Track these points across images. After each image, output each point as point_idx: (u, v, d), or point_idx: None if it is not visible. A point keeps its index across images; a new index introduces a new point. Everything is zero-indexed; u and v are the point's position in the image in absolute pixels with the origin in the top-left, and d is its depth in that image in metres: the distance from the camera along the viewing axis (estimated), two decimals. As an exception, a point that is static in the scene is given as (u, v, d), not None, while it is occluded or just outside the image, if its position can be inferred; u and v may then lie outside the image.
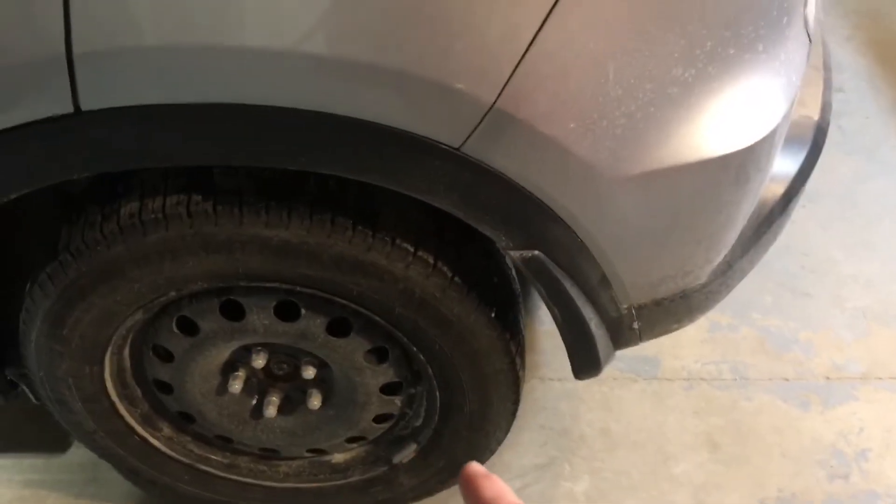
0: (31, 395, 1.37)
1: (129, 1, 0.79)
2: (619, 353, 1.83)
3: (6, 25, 0.79)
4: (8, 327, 1.22)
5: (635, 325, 1.15)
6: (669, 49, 0.86)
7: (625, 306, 1.11)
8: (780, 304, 1.94)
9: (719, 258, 1.11)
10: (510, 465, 1.63)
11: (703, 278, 1.12)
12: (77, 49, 0.81)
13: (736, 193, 1.01)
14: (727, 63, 0.90)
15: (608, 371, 1.80)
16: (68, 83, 0.83)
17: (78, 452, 1.54)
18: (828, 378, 1.80)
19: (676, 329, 1.21)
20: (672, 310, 1.14)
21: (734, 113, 0.94)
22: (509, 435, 1.63)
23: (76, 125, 0.87)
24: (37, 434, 1.65)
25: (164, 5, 0.79)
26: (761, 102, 0.97)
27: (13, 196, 0.94)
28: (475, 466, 0.48)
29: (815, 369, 1.82)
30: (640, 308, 1.12)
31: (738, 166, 0.98)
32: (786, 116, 1.02)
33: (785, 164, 1.17)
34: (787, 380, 1.77)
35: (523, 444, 1.66)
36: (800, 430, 1.68)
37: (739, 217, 1.07)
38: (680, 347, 1.84)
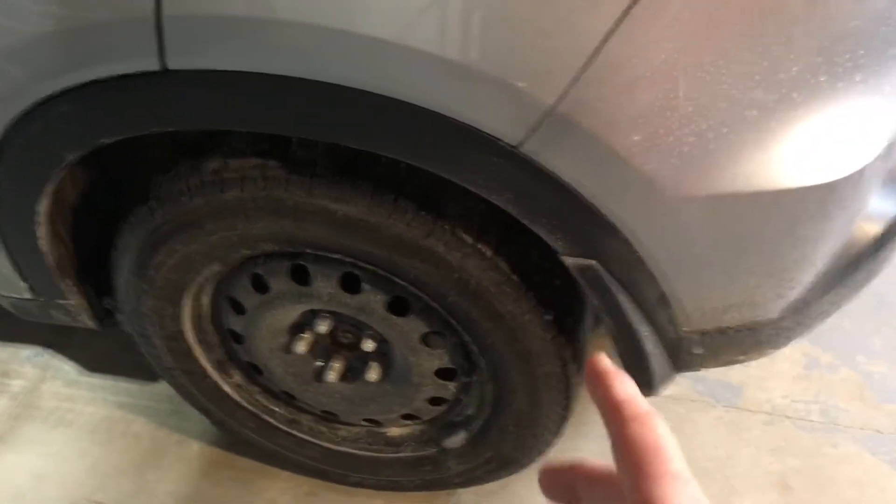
0: (125, 325, 1.47)
1: (216, -30, 0.83)
2: (701, 375, 1.78)
3: (103, -17, 0.85)
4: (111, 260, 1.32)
5: (697, 351, 1.10)
6: (749, 69, 0.81)
7: (685, 329, 1.07)
8: (891, 350, 1.81)
9: (793, 295, 1.05)
10: (566, 469, 1.61)
11: (775, 314, 1.06)
12: (167, 11, 0.86)
13: (814, 230, 0.95)
14: (816, 91, 0.84)
15: (686, 391, 1.75)
16: (156, 42, 0.88)
17: (166, 384, 1.64)
18: (929, 439, 1.67)
19: (744, 360, 1.16)
20: (738, 340, 1.09)
21: (818, 145, 0.88)
22: (572, 440, 1.62)
23: (162, 82, 0.92)
24: (132, 361, 1.78)
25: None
26: (853, 137, 0.90)
27: (107, 141, 1.01)
28: (604, 361, 0.45)
29: (917, 427, 1.69)
30: (702, 333, 1.08)
31: (818, 202, 0.91)
32: (885, 154, 0.94)
33: (885, 205, 1.08)
34: (880, 432, 1.65)
35: (585, 451, 1.64)
36: (884, 489, 1.56)
37: (818, 255, 1.00)
38: (769, 379, 1.76)
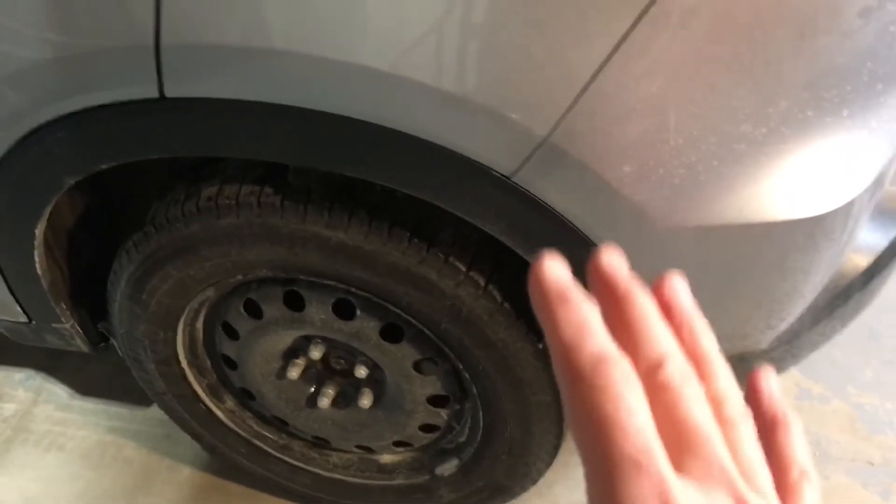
0: (118, 349, 1.47)
1: (215, 2, 0.84)
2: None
3: (103, 10, 0.86)
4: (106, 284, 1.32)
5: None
6: (739, 104, 0.83)
7: (676, 359, 1.07)
8: (882, 382, 1.81)
9: (783, 325, 1.06)
10: (558, 499, 1.61)
11: (765, 344, 1.07)
12: (165, 40, 0.87)
13: (802, 261, 0.96)
14: (804, 125, 0.86)
15: (679, 421, 1.74)
16: (155, 70, 0.89)
17: (158, 409, 1.63)
18: (920, 470, 1.67)
19: (735, 391, 1.16)
20: (728, 371, 1.10)
21: (807, 178, 0.89)
22: (563, 468, 1.61)
23: (160, 109, 0.93)
24: (125, 385, 1.78)
25: (246, 9, 0.84)
26: (841, 170, 0.91)
27: (103, 167, 1.02)
28: (558, 269, 0.32)
29: (908, 458, 1.69)
30: (692, 363, 1.08)
31: (806, 234, 0.93)
32: (872, 188, 0.95)
33: (873, 237, 1.10)
34: (872, 464, 1.65)
35: (577, 480, 1.63)
36: (875, 521, 1.57)
37: (807, 286, 1.01)
38: (761, 410, 1.75)
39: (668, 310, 0.35)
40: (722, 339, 1.06)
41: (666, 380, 0.31)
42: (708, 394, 0.33)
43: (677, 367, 0.32)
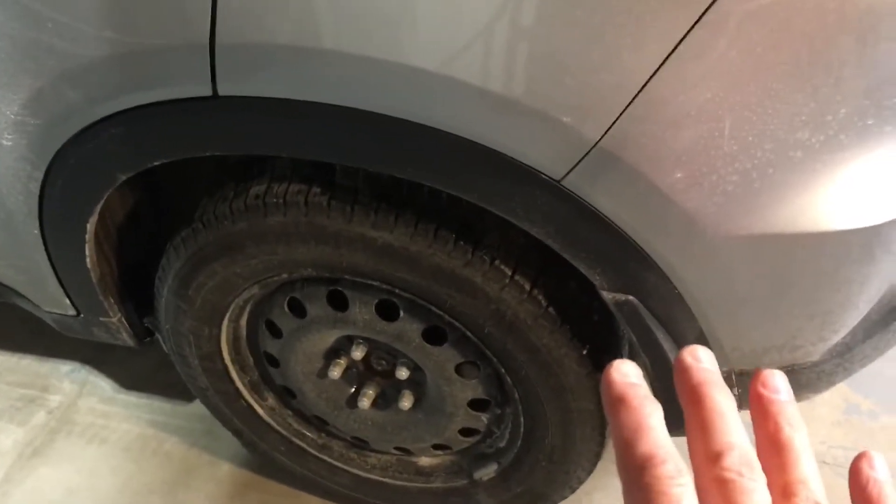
0: (163, 344, 1.49)
1: (270, 2, 0.85)
2: (737, 416, 1.75)
3: (160, 9, 0.87)
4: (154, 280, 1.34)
5: (735, 392, 1.09)
6: (796, 111, 0.81)
7: (724, 370, 1.05)
8: (934, 400, 1.77)
9: (836, 338, 1.03)
10: (597, 507, 1.59)
11: (816, 356, 1.05)
12: (220, 39, 0.88)
13: (858, 273, 0.94)
14: (863, 134, 0.84)
15: (721, 433, 1.71)
16: (209, 69, 0.90)
17: (200, 405, 1.65)
18: (974, 492, 1.61)
19: (782, 404, 1.14)
20: (777, 383, 1.07)
21: (865, 187, 0.87)
22: (603, 477, 1.60)
23: (212, 107, 0.94)
24: (168, 381, 1.80)
25: (298, 8, 0.84)
26: (900, 180, 0.89)
27: (155, 163, 1.04)
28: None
29: (961, 480, 1.63)
30: (741, 374, 1.06)
31: (863, 245, 0.90)
32: (932, 199, 0.93)
33: (932, 250, 1.07)
34: (921, 483, 1.61)
35: (616, 488, 1.60)
36: (924, 541, 1.52)
37: (862, 298, 0.99)
38: (807, 423, 1.69)
39: (758, 402, 0.37)
40: (772, 350, 1.05)
41: (723, 472, 0.33)
42: (778, 483, 0.34)
43: (736, 459, 0.33)
